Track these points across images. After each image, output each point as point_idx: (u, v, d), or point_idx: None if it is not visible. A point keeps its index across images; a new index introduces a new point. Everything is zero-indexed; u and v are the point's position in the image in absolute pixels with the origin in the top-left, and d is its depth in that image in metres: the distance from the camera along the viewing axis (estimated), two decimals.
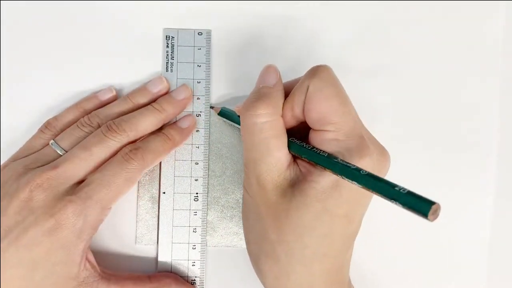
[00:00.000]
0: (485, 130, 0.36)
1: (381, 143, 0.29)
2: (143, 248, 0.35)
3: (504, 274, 0.36)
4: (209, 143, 0.35)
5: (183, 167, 0.35)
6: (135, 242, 0.35)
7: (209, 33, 0.35)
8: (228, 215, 0.35)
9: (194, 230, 0.35)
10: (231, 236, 0.35)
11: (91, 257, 0.31)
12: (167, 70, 0.35)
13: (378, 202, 0.27)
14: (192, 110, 0.35)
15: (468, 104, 0.36)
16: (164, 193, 0.35)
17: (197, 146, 0.35)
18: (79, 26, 0.35)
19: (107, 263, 0.34)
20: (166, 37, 0.35)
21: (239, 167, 0.35)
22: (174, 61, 0.35)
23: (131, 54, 0.35)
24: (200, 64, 0.35)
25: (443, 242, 0.36)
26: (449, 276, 0.36)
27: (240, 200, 0.35)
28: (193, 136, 0.35)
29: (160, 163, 0.34)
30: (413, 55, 0.36)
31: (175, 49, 0.35)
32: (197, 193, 0.35)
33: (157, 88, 0.34)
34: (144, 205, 0.35)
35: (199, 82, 0.35)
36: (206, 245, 0.35)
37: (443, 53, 0.36)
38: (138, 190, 0.35)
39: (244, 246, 0.32)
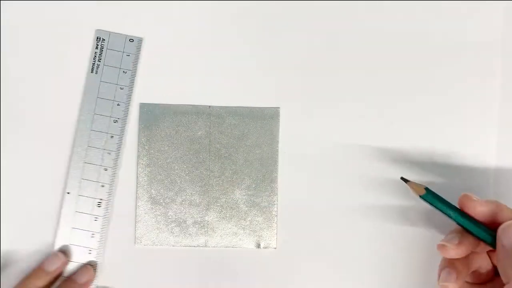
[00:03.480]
0: (485, 131, 0.36)
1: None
2: (143, 248, 0.35)
3: None
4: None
5: (91, 171, 0.34)
6: (134, 243, 0.35)
7: (140, 41, 0.35)
8: (227, 215, 0.35)
9: (93, 235, 0.34)
10: (230, 237, 0.35)
11: None
12: (92, 71, 0.35)
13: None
14: (110, 115, 0.35)
15: (468, 104, 0.36)
16: (68, 193, 0.34)
17: (108, 152, 0.35)
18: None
19: (106, 263, 0.35)
20: (97, 38, 0.35)
21: (238, 167, 0.35)
22: (101, 64, 0.35)
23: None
24: (126, 70, 0.35)
25: None
26: None
27: (239, 201, 0.35)
28: (106, 141, 0.34)
29: (71, 162, 0.34)
30: (412, 55, 0.36)
31: (103, 52, 0.35)
32: (101, 199, 0.34)
33: (54, 266, 0.33)
34: (143, 206, 0.35)
35: (122, 89, 0.35)
36: (205, 246, 0.35)
37: (443, 53, 0.36)
38: (137, 191, 0.35)
39: (244, 246, 0.35)
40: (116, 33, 0.35)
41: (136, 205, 0.35)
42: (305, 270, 0.35)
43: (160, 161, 0.35)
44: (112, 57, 0.35)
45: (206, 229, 0.35)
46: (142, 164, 0.35)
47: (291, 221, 0.35)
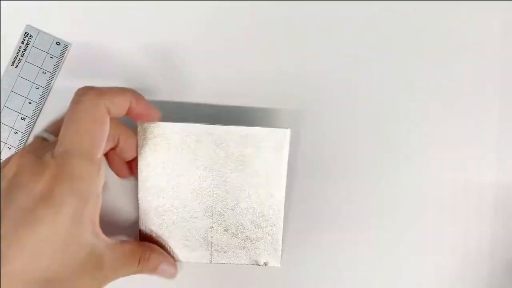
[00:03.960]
0: (485, 131, 0.36)
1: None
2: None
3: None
4: None
5: None
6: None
7: (67, 46, 0.35)
8: (234, 229, 0.34)
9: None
10: (237, 252, 0.34)
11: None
12: (12, 64, 0.35)
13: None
14: (19, 111, 0.35)
15: (468, 104, 0.36)
16: None
17: (8, 147, 0.35)
18: None
19: None
20: (25, 33, 0.35)
21: (244, 181, 0.33)
22: (23, 59, 0.35)
23: None
24: (46, 71, 0.35)
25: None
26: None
27: (245, 212, 0.33)
28: (9, 136, 0.35)
29: None
30: (412, 55, 0.36)
31: (28, 48, 0.35)
32: None
33: None
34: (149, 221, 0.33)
35: (37, 88, 0.35)
36: (210, 262, 0.34)
37: (443, 53, 0.36)
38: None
39: (248, 263, 0.34)
40: (45, 32, 0.35)
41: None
42: None
43: (165, 176, 0.33)
44: (35, 55, 0.35)
45: (211, 244, 0.34)
46: (147, 178, 0.33)
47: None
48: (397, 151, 0.36)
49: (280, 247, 0.34)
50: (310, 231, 0.36)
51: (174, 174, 0.33)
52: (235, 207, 0.33)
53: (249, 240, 0.33)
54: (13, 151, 0.35)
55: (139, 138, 0.32)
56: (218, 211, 0.33)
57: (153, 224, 0.33)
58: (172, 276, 0.33)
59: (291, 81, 0.36)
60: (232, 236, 0.33)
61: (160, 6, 0.35)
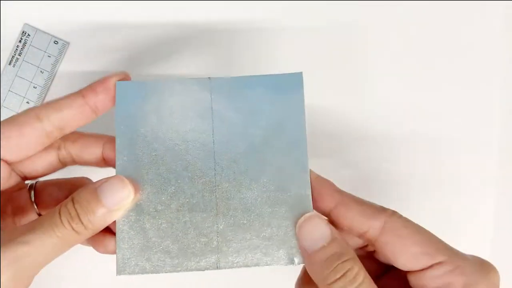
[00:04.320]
0: (485, 132, 0.36)
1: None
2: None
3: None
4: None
5: None
6: (116, 273, 0.24)
7: (65, 45, 0.35)
8: (244, 222, 0.25)
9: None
10: (250, 252, 0.25)
11: None
12: (9, 64, 0.35)
13: None
14: (17, 111, 0.34)
15: (468, 105, 0.36)
16: None
17: None
18: None
19: None
20: (23, 32, 0.35)
21: (254, 154, 0.26)
22: (21, 58, 0.35)
23: None
24: (44, 71, 0.35)
25: None
26: None
27: (259, 199, 0.25)
28: None
29: None
30: (412, 55, 0.36)
31: (26, 47, 0.35)
32: None
33: None
34: (125, 218, 0.25)
35: (35, 88, 0.35)
36: (217, 267, 0.25)
37: (442, 53, 0.36)
38: None
39: (271, 264, 0.24)
40: (43, 31, 0.35)
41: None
42: None
43: (147, 155, 0.26)
44: (33, 54, 0.35)
45: (216, 244, 0.25)
46: (123, 160, 0.25)
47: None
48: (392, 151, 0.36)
49: None
50: None
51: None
52: (243, 185, 0.26)
53: (268, 230, 0.26)
54: None
55: None
56: (223, 195, 0.26)
57: None
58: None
59: None
60: (245, 227, 0.26)
61: (159, 6, 0.35)
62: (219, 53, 0.35)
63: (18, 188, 0.27)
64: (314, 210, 0.25)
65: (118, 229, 0.25)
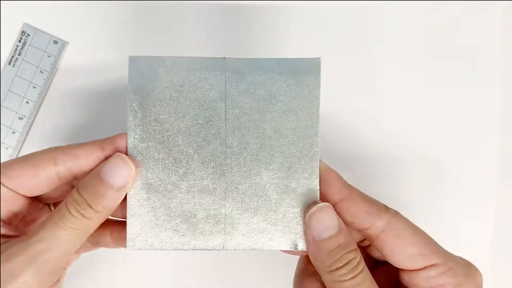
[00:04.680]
0: (485, 132, 0.36)
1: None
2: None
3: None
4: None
5: None
6: (126, 246, 0.26)
7: (64, 44, 0.35)
8: (252, 206, 0.26)
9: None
10: (256, 235, 0.26)
11: None
12: (9, 64, 0.34)
13: None
14: (17, 111, 0.34)
15: (468, 105, 0.36)
16: None
17: (6, 147, 0.34)
18: None
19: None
20: (22, 32, 0.35)
21: (264, 140, 0.26)
22: (20, 58, 0.35)
23: None
24: (43, 70, 0.35)
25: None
26: None
27: (268, 186, 0.26)
28: (6, 136, 0.34)
29: None
30: (412, 55, 0.36)
31: (25, 47, 0.35)
32: None
33: None
34: (136, 195, 0.26)
35: (35, 87, 0.35)
36: (223, 248, 0.26)
37: (442, 54, 0.36)
38: None
39: (276, 248, 0.25)
40: (42, 31, 0.35)
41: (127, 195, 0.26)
42: None
43: (159, 134, 0.26)
44: (33, 54, 0.35)
45: (223, 226, 0.26)
46: (134, 138, 0.26)
47: None
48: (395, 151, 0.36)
49: None
50: None
51: None
52: (253, 171, 0.27)
53: (275, 215, 0.27)
54: (10, 151, 0.34)
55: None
56: (233, 180, 0.27)
57: None
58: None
59: None
60: (252, 211, 0.27)
61: (159, 6, 0.35)
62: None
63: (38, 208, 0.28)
64: (320, 201, 0.25)
65: (129, 207, 0.26)
